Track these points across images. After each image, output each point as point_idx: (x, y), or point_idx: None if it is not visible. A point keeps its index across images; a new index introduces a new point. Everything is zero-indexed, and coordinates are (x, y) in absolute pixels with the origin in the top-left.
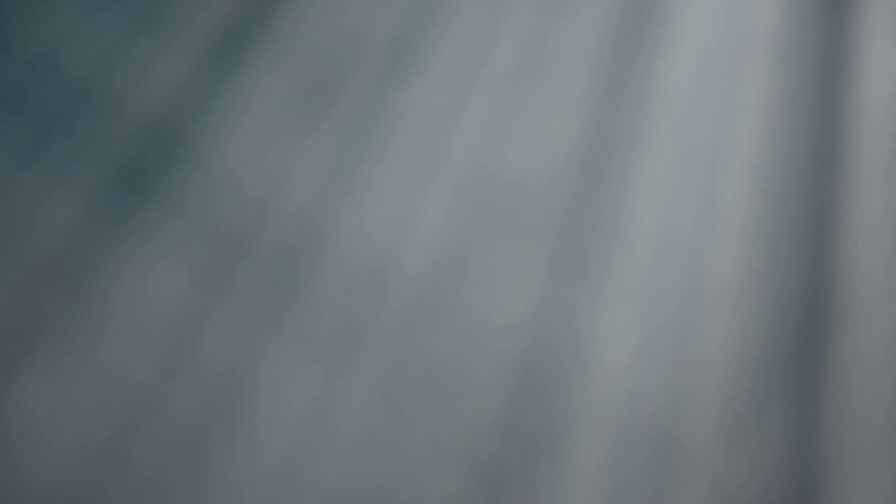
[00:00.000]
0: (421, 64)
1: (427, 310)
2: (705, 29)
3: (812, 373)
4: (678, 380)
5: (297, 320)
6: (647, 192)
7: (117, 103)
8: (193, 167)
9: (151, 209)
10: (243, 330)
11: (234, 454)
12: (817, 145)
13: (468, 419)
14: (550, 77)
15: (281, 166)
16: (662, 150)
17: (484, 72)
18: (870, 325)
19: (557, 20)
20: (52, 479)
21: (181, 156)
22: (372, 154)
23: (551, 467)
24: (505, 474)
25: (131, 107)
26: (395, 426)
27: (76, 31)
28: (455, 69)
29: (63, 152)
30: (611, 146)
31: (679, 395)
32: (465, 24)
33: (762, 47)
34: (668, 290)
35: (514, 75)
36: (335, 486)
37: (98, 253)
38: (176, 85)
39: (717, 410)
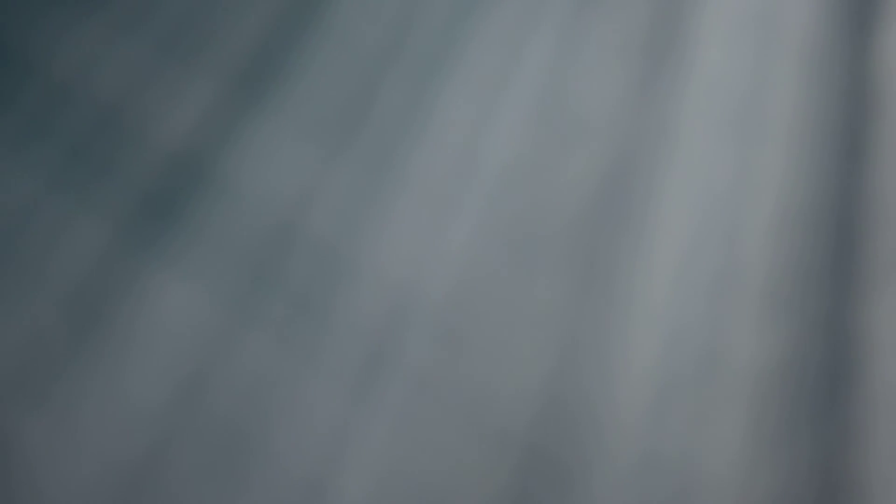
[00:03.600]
0: (447, 91)
1: (450, 338)
2: (736, 16)
3: (840, 395)
4: (702, 406)
5: (320, 347)
6: (669, 210)
7: (143, 129)
8: (218, 193)
9: (176, 235)
10: (266, 356)
11: (257, 479)
12: (849, 144)
13: (491, 447)
14: (572, 113)
15: (305, 193)
16: (687, 172)
17: (507, 105)
18: None
19: (587, 25)
20: (74, 499)
21: (206, 182)
22: (396, 181)
23: (573, 497)
24: (524, 495)
25: (157, 132)
26: (418, 454)
27: (103, 57)
28: (481, 99)
29: (88, 177)
30: (632, 176)
31: (703, 420)
32: (490, 41)
33: (794, 37)
34: (692, 316)
35: (537, 110)
36: (363, 494)
37: (122, 278)
38: (201, 111)
39: (742, 434)
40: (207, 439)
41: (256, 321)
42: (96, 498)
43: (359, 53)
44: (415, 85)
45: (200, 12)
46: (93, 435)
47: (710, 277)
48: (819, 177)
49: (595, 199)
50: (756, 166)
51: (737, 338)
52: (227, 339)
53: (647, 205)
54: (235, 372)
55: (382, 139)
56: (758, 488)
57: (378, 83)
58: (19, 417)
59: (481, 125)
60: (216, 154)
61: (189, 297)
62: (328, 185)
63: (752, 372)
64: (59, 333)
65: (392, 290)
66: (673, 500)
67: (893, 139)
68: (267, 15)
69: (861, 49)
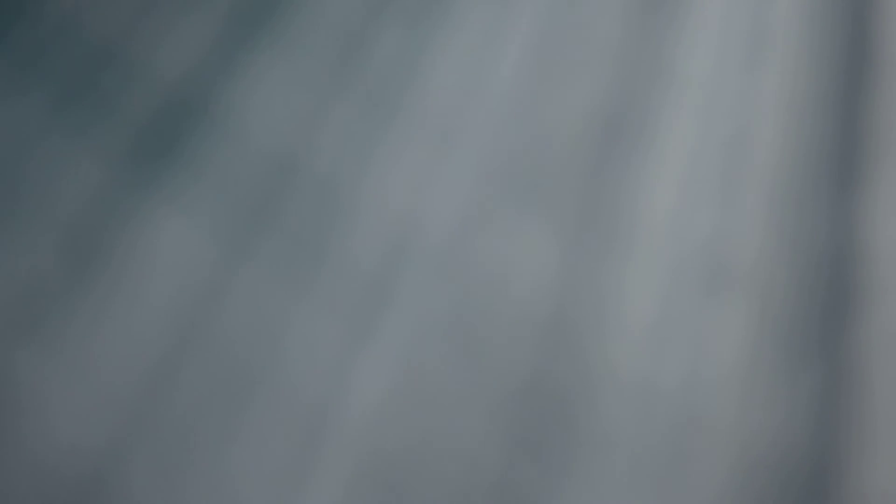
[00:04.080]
0: (447, 29)
1: (449, 273)
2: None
3: (837, 340)
4: (698, 349)
5: (320, 283)
6: (667, 156)
7: (141, 65)
8: (216, 129)
9: (174, 171)
10: (266, 291)
11: (258, 412)
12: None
13: (489, 383)
14: (572, 49)
15: (304, 129)
16: (683, 119)
17: (508, 42)
18: None
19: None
20: (75, 435)
21: (204, 118)
22: (396, 119)
23: (572, 433)
24: (526, 438)
25: (155, 70)
26: (418, 389)
27: None
28: (481, 36)
29: (86, 113)
30: (632, 112)
31: (700, 364)
32: None
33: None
34: (688, 257)
35: (537, 46)
36: (359, 449)
37: (120, 214)
38: (200, 48)
39: (740, 378)
40: (207, 374)
41: (255, 257)
42: (97, 429)
43: None
44: (414, 19)
45: None
46: (92, 368)
47: (712, 195)
48: (821, 96)
49: (596, 131)
50: (759, 89)
51: (736, 279)
52: (227, 274)
53: (643, 140)
54: (235, 306)
55: (382, 74)
56: (756, 422)
57: (378, 18)
58: (18, 352)
59: (482, 60)
60: (215, 90)
61: (188, 232)
62: (327, 120)
63: (751, 312)
64: (57, 268)
65: (392, 226)
66: (671, 430)
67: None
68: None
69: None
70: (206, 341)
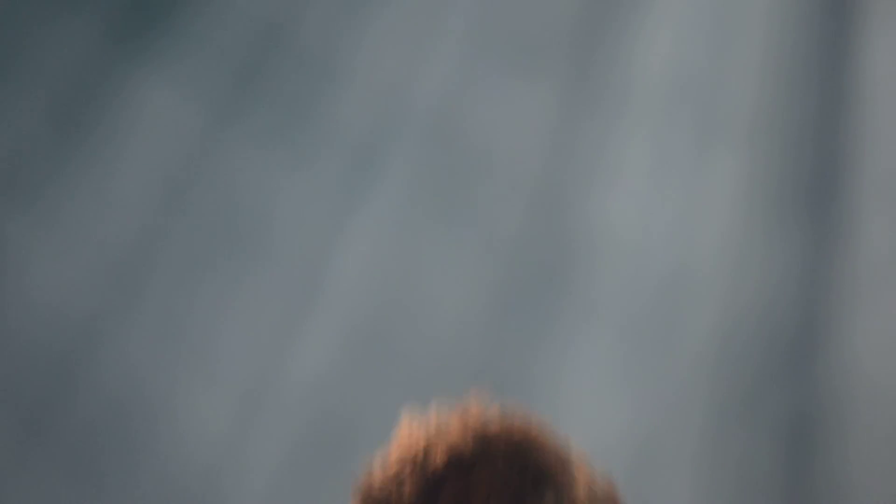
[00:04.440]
0: None
1: (439, 137)
2: None
3: (820, 204)
4: (689, 207)
5: (309, 150)
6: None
7: None
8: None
9: (163, 41)
10: (255, 158)
11: (247, 279)
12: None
13: (478, 243)
14: None
15: None
16: None
17: None
18: (883, 149)
19: None
20: (64, 302)
21: None
22: None
23: (563, 295)
24: (514, 297)
25: None
26: (407, 251)
27: None
28: None
29: None
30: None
31: (690, 222)
32: None
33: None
34: (679, 129)
35: None
36: (349, 306)
37: (109, 84)
38: None
39: (730, 235)
40: (195, 240)
41: (243, 123)
42: (86, 295)
43: None
44: None
45: None
46: (80, 234)
47: (697, 90)
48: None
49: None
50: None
51: (724, 145)
52: (215, 141)
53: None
54: (224, 172)
55: None
56: (746, 280)
57: None
58: (5, 217)
59: None
60: None
61: (177, 99)
62: None
63: (738, 176)
64: (46, 135)
65: (382, 95)
66: (660, 288)
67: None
68: None
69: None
70: (194, 207)
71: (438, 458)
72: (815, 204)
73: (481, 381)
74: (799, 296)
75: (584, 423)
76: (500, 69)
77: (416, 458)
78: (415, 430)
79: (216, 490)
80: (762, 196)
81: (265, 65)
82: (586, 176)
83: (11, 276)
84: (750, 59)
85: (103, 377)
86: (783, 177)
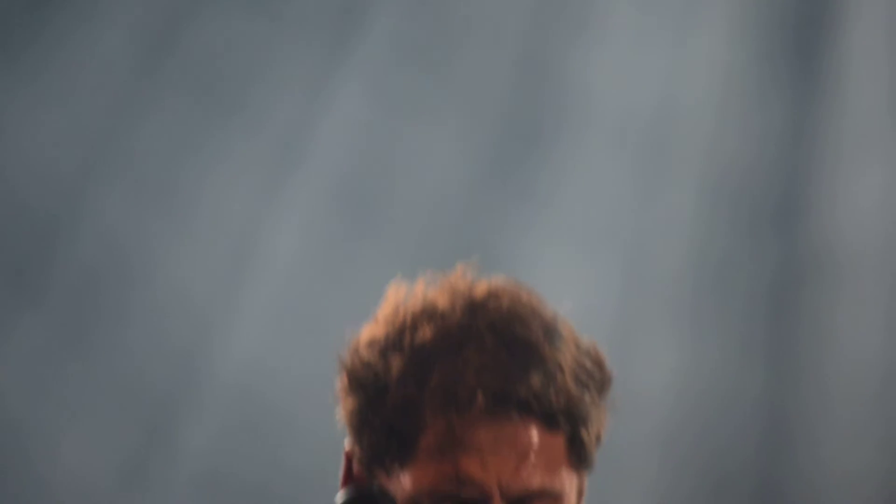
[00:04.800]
0: None
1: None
2: None
3: (809, 64)
4: (674, 69)
5: (293, 5)
6: None
7: None
8: None
9: None
10: (238, 18)
11: (232, 137)
12: None
13: (463, 103)
14: None
15: None
16: None
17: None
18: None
19: None
20: (47, 162)
21: None
22: None
23: (549, 157)
24: (497, 160)
25: None
26: (392, 107)
27: None
28: None
29: None
30: None
31: (675, 83)
32: None
33: None
34: None
35: None
36: (339, 154)
37: None
38: None
39: (712, 96)
40: (181, 93)
41: None
42: (69, 155)
43: None
44: None
45: None
46: (63, 92)
47: None
48: None
49: None
50: None
51: None
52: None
53: None
54: (207, 32)
55: None
56: (734, 138)
57: None
58: None
59: None
60: None
61: None
62: None
63: (730, 22)
64: None
65: None
66: (649, 143)
67: None
68: None
69: None
70: (179, 60)
71: (427, 332)
72: (802, 62)
73: (467, 251)
74: (784, 153)
75: (570, 290)
76: None
77: (404, 331)
78: (401, 303)
79: (201, 349)
80: (750, 53)
81: None
82: (572, 35)
83: None
84: None
85: (85, 237)
86: (770, 35)
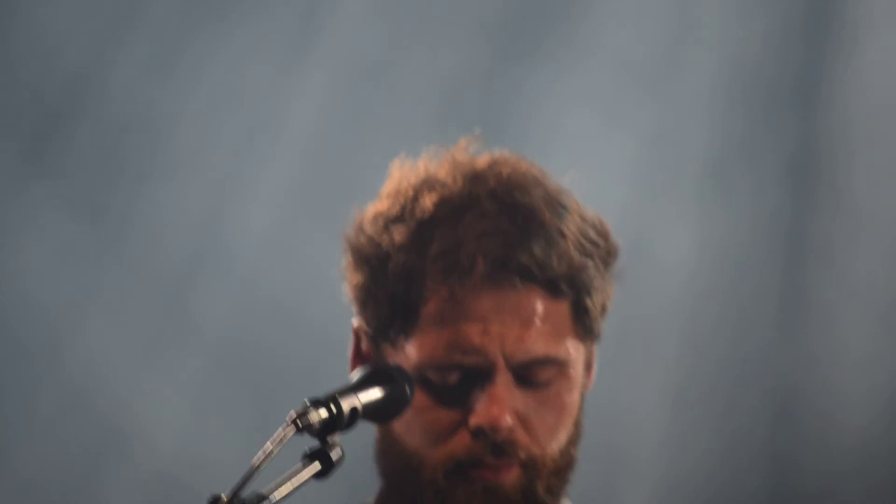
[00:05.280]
0: None
1: None
2: None
3: None
4: None
5: None
6: None
7: None
8: None
9: None
10: None
11: (254, 12)
12: None
13: None
14: None
15: None
16: None
17: None
18: None
19: None
20: (61, 37)
21: None
22: None
23: (569, 29)
24: (526, 31)
25: None
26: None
27: None
28: None
29: None
30: None
31: None
32: None
33: None
34: None
35: None
36: (349, 41)
37: None
38: None
39: None
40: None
41: None
42: (81, 32)
43: None
44: None
45: None
46: None
47: None
48: None
49: None
50: None
51: None
52: None
53: None
54: None
55: None
56: (750, 21)
57: None
58: None
59: None
60: None
61: None
62: None
63: None
64: None
65: None
66: (666, 22)
67: None
68: None
69: None
70: None
71: (428, 201)
72: None
73: (484, 122)
74: (805, 30)
75: (580, 165)
76: None
77: (406, 203)
78: (404, 176)
79: (218, 223)
80: None
81: None
82: None
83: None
84: None
85: (102, 108)
86: None
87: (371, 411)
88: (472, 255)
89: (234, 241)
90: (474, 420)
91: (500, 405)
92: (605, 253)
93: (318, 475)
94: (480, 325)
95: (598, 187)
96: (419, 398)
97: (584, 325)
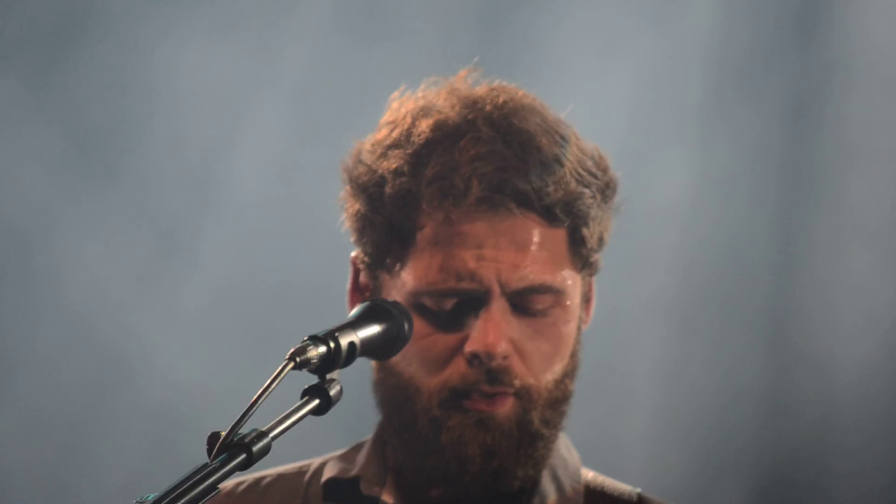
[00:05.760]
0: None
1: None
2: None
3: None
4: None
5: None
6: None
7: None
8: None
9: None
10: None
11: None
12: None
13: None
14: None
15: None
16: None
17: None
18: None
19: None
20: None
21: None
22: None
23: None
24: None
25: None
26: None
27: None
28: None
29: None
30: None
31: None
32: None
33: None
34: None
35: None
36: None
37: None
38: None
39: None
40: None
41: None
42: None
43: None
44: None
45: None
46: None
47: None
48: None
49: None
50: None
51: None
52: None
53: None
54: None
55: None
56: None
57: None
58: None
59: None
60: None
61: None
62: None
63: None
64: None
65: None
66: None
67: None
68: None
69: None
70: None
71: (424, 126)
72: None
73: (482, 58)
74: None
75: (579, 99)
76: None
77: (403, 130)
78: (402, 105)
79: (216, 161)
80: None
81: None
82: None
83: None
84: None
85: (102, 44)
86: None
87: (369, 348)
88: (466, 179)
89: (235, 173)
90: (469, 346)
91: (496, 331)
92: (604, 185)
93: (316, 411)
94: (475, 250)
95: (597, 121)
96: (416, 325)
97: (580, 255)
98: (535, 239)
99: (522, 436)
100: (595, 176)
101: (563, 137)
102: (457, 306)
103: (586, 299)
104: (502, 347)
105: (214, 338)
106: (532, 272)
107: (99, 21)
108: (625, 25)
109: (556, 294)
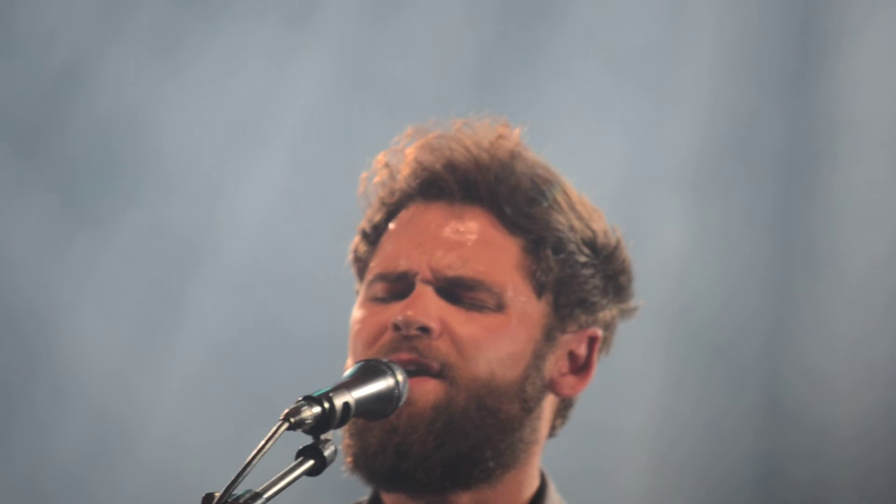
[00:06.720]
0: None
1: None
2: None
3: None
4: None
5: None
6: None
7: None
8: None
9: None
10: None
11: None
12: None
13: None
14: None
15: None
16: None
17: None
18: None
19: None
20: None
21: None
22: None
23: (556, 30)
24: (515, 31)
25: None
26: None
27: None
28: None
29: None
30: None
31: None
32: None
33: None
34: None
35: None
36: None
37: None
38: None
39: None
40: None
41: None
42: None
43: None
44: None
45: None
46: None
47: None
48: None
49: None
50: None
51: None
52: None
53: None
54: None
55: None
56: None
57: None
58: None
59: None
60: None
61: None
62: None
63: None
64: None
65: None
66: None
67: None
68: None
69: None
70: None
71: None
72: None
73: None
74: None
75: (574, 158)
76: None
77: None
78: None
79: (209, 216)
80: None
81: None
82: None
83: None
84: None
85: (93, 101)
86: None
87: (364, 408)
88: (429, 170)
89: (228, 234)
90: (392, 317)
91: (416, 305)
92: (591, 235)
93: (310, 472)
94: (418, 238)
95: (591, 181)
96: (366, 310)
97: (535, 275)
98: (483, 236)
99: (438, 416)
100: (581, 218)
101: (549, 176)
102: (396, 289)
103: (546, 328)
104: (422, 317)
105: (209, 397)
106: (464, 264)
107: (90, 87)
108: (620, 87)
109: (494, 296)
